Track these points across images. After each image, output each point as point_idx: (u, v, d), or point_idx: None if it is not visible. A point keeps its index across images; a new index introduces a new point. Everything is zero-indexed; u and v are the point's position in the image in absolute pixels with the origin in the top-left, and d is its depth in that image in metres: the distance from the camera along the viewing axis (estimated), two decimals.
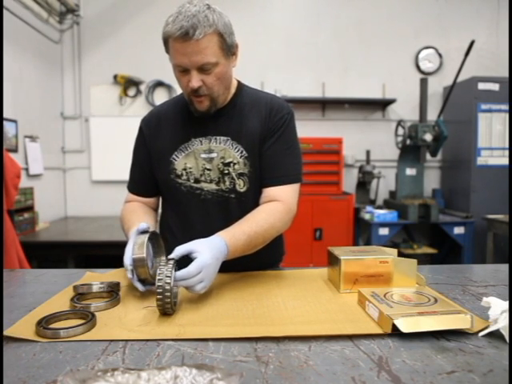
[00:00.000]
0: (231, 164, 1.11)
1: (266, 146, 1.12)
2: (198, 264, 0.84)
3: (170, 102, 1.24)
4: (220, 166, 1.12)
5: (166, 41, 1.01)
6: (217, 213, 1.13)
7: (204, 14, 0.96)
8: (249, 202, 1.12)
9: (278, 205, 1.08)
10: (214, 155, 1.12)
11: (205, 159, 1.12)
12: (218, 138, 1.12)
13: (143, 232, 0.95)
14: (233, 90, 1.16)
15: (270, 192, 1.11)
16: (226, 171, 1.12)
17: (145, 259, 0.88)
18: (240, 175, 1.12)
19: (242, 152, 1.11)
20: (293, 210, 1.11)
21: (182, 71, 1.02)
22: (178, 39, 0.97)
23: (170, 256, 0.86)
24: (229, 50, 1.03)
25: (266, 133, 1.12)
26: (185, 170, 1.13)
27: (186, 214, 1.16)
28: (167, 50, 1.04)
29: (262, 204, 1.11)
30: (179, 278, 0.83)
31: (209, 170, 1.12)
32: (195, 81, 1.01)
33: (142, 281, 0.91)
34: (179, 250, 0.87)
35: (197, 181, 1.13)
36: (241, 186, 1.12)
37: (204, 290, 0.87)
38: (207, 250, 0.88)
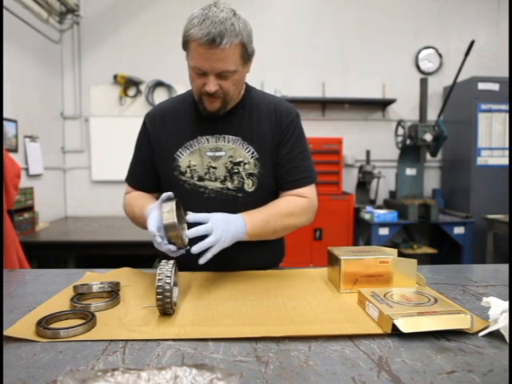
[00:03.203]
0: (241, 163, 1.12)
1: (284, 152, 1.15)
2: (212, 226, 0.94)
3: (176, 99, 1.25)
4: (228, 164, 1.13)
5: (188, 42, 1.01)
6: (221, 212, 1.14)
7: (231, 21, 0.97)
8: (255, 201, 1.13)
9: (300, 198, 1.15)
10: (221, 154, 1.13)
11: (211, 157, 1.13)
12: (226, 136, 1.13)
13: (168, 200, 0.96)
14: (242, 91, 1.17)
15: (291, 192, 1.16)
16: (236, 170, 1.13)
17: (176, 224, 0.90)
18: (250, 175, 1.13)
19: (253, 153, 1.13)
20: (314, 205, 1.18)
21: (200, 73, 1.03)
22: (203, 45, 0.97)
23: (188, 217, 0.94)
24: (248, 58, 1.07)
25: (279, 138, 1.15)
26: (189, 167, 1.14)
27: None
28: (185, 49, 1.04)
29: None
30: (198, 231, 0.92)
31: (214, 168, 1.13)
32: (212, 85, 1.02)
33: (172, 245, 0.93)
34: (194, 218, 0.94)
35: (201, 179, 1.14)
36: (249, 185, 1.13)
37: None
38: (220, 225, 0.95)
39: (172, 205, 0.92)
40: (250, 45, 1.05)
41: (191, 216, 0.92)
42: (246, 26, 1.01)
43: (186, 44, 1.03)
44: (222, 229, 0.94)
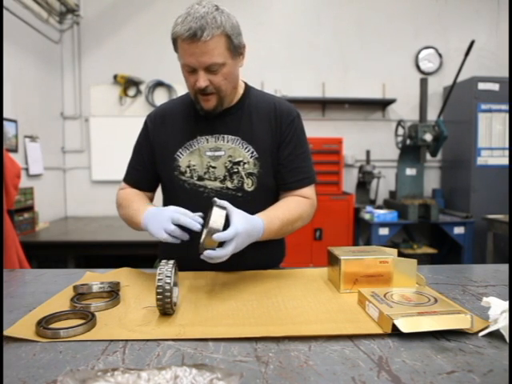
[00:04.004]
0: (241, 163, 1.13)
1: (286, 152, 1.16)
2: (232, 249, 0.90)
3: (177, 100, 1.26)
4: (228, 164, 1.13)
5: (175, 41, 1.03)
6: None
7: (212, 15, 0.98)
8: (255, 201, 1.13)
9: (304, 199, 1.16)
10: (220, 153, 1.13)
11: (210, 157, 1.14)
12: (226, 136, 1.14)
13: (220, 206, 0.93)
14: (241, 90, 1.18)
15: (293, 193, 1.17)
16: (235, 170, 1.13)
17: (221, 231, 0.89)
18: (249, 175, 1.13)
19: (252, 152, 1.13)
20: (315, 205, 1.20)
21: (190, 71, 1.04)
22: (186, 40, 0.98)
23: (215, 237, 0.87)
24: (236, 50, 1.05)
25: (279, 138, 1.15)
26: (189, 167, 1.14)
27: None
28: (176, 50, 1.05)
29: (287, 197, 1.17)
30: (213, 256, 0.88)
31: (214, 167, 1.13)
32: (202, 80, 1.03)
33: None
34: (222, 237, 0.88)
35: (200, 178, 1.14)
36: (249, 185, 1.14)
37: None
38: (241, 242, 0.92)
39: (223, 213, 0.90)
40: (237, 37, 1.04)
41: (218, 235, 0.87)
42: (229, 19, 1.01)
43: (174, 44, 1.05)
44: (241, 245, 0.93)
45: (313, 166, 1.21)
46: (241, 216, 0.94)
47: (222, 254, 0.89)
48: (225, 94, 1.08)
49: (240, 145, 1.13)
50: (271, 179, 1.16)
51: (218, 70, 1.03)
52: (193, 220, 0.94)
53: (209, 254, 0.88)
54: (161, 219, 0.96)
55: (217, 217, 0.89)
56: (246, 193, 1.14)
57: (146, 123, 1.22)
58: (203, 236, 0.90)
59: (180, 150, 1.15)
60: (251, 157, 1.13)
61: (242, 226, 0.91)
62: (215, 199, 0.94)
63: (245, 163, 1.13)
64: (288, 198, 1.16)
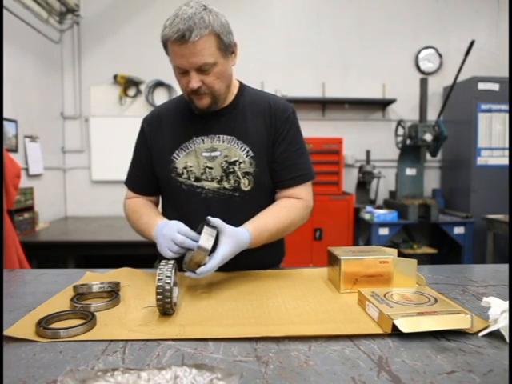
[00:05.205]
0: (237, 163, 1.12)
1: (280, 149, 1.15)
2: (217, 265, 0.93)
3: (172, 101, 1.25)
4: (224, 164, 1.13)
5: (165, 43, 1.03)
6: (219, 211, 1.13)
7: (200, 15, 0.98)
8: (252, 200, 1.13)
9: (298, 202, 1.15)
10: (216, 154, 1.13)
11: (206, 157, 1.13)
12: (221, 136, 1.13)
13: (210, 225, 0.94)
14: (235, 90, 1.17)
15: (288, 192, 1.16)
16: (231, 170, 1.12)
17: (208, 252, 0.90)
18: (245, 174, 1.13)
19: (248, 151, 1.12)
20: (310, 206, 1.18)
21: (182, 72, 1.04)
22: (175, 42, 0.98)
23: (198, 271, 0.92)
24: (227, 49, 1.05)
25: (275, 136, 1.14)
26: (185, 168, 1.14)
27: (187, 212, 1.16)
28: (167, 52, 1.05)
29: (280, 199, 1.16)
30: (199, 272, 0.91)
31: (210, 168, 1.13)
32: (195, 81, 1.02)
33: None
34: (207, 268, 0.91)
35: (197, 179, 1.14)
36: (245, 184, 1.13)
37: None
38: (225, 261, 0.95)
39: (214, 233, 0.92)
40: (227, 35, 1.04)
41: (201, 270, 0.90)
42: (217, 18, 1.01)
43: (165, 47, 1.05)
44: (223, 262, 0.95)
45: (310, 162, 1.19)
46: (229, 239, 0.95)
47: (204, 273, 0.91)
48: (219, 93, 1.08)
49: (235, 144, 1.13)
50: (268, 178, 1.16)
51: (210, 69, 1.02)
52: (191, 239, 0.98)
53: (189, 276, 0.92)
54: (164, 240, 1.00)
55: (206, 236, 0.91)
56: (243, 192, 1.13)
57: (142, 128, 1.22)
58: (191, 254, 0.91)
59: (176, 152, 1.15)
60: (247, 156, 1.12)
61: (228, 251, 0.95)
62: (208, 218, 0.95)
63: (240, 163, 1.12)
64: (281, 202, 1.15)
